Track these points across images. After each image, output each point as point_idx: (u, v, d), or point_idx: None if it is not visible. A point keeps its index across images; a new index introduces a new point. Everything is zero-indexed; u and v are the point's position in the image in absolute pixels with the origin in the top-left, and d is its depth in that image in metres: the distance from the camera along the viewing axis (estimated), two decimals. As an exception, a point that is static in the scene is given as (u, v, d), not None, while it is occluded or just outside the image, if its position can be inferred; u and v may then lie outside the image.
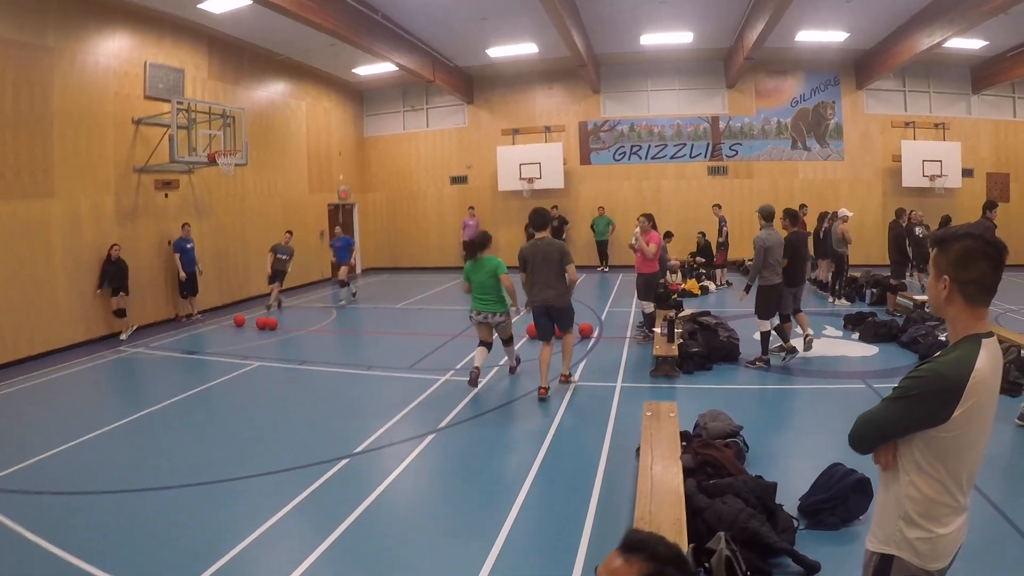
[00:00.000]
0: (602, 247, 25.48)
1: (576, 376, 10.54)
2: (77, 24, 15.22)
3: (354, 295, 20.43)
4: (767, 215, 11.08)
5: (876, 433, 2.82)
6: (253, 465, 7.59)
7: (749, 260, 20.54)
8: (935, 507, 2.68)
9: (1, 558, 5.86)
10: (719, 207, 20.89)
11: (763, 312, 10.87)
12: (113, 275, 15.53)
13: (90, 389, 11.53)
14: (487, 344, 10.33)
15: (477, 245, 10.29)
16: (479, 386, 10.17)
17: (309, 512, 6.48)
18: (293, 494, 6.76)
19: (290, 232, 19.27)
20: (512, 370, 11.08)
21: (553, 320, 9.97)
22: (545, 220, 9.98)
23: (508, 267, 10.09)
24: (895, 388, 2.74)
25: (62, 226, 14.87)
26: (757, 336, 11.21)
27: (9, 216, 13.69)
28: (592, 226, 25.43)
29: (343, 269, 20.14)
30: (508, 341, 10.71)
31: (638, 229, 13.20)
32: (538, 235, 9.94)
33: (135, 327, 16.14)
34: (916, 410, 2.63)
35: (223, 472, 7.51)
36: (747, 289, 11.35)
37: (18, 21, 13.85)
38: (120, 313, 15.72)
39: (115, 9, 16.09)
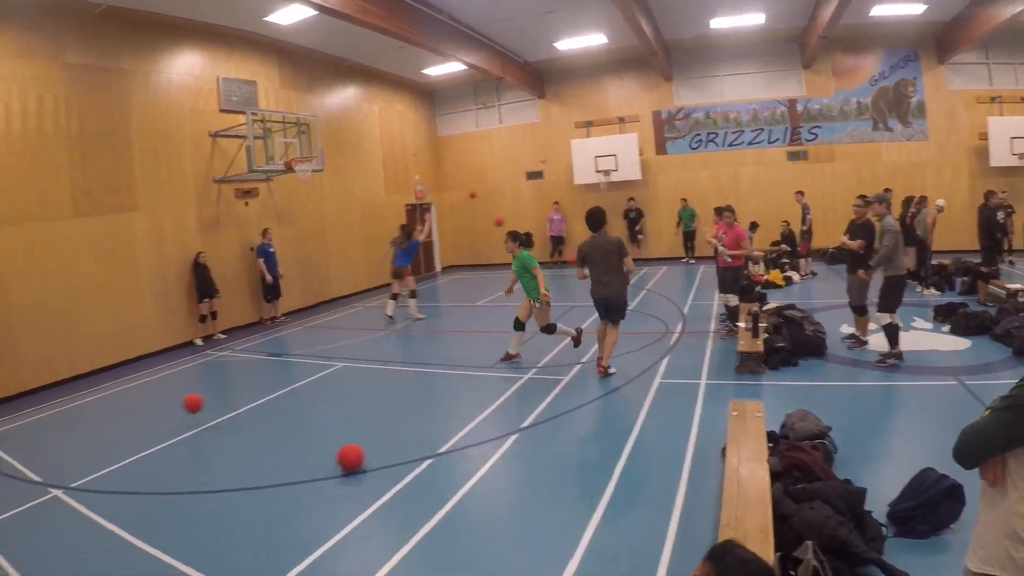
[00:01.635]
0: (688, 238, 25.14)
1: (613, 369, 10.84)
2: (149, 45, 15.85)
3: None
4: (885, 201, 10.72)
5: (984, 447, 2.68)
6: (337, 466, 7.72)
7: (834, 248, 20.35)
8: None
9: (98, 555, 6.18)
10: (801, 194, 20.38)
11: (890, 304, 10.38)
12: (200, 281, 16.18)
13: (178, 393, 11.79)
14: (520, 324, 11.89)
15: (525, 241, 12.16)
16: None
17: (393, 513, 6.60)
18: (377, 495, 6.92)
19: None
20: (576, 341, 12.14)
21: (609, 311, 10.82)
22: (599, 219, 10.73)
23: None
24: (1003, 397, 2.62)
25: (147, 238, 15.57)
26: (843, 330, 10.95)
27: (96, 231, 14.44)
28: (679, 217, 25.08)
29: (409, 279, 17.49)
30: (547, 329, 11.73)
31: (717, 234, 13.02)
32: (594, 233, 10.72)
33: (220, 332, 16.80)
34: None
35: (309, 473, 7.72)
36: (867, 271, 10.91)
37: (92, 46, 14.54)
38: (210, 316, 16.53)
39: (185, 28, 16.67)
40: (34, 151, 13.35)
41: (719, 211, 13.28)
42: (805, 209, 19.95)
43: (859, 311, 11.41)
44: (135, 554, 6.05)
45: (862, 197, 11.25)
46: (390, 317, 16.73)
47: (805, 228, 19.96)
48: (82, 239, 14.09)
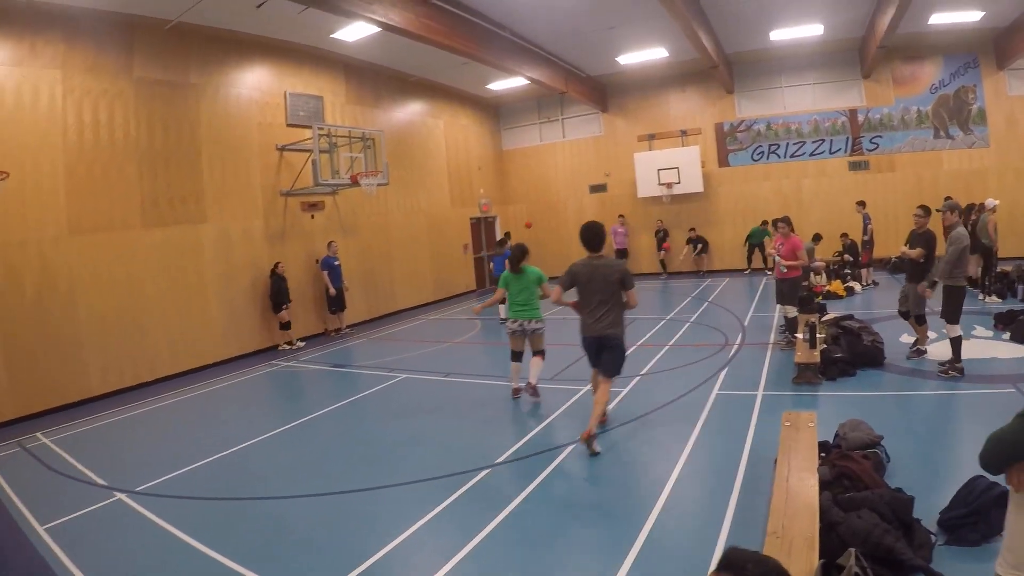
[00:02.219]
0: (752, 251, 25.08)
1: (597, 446, 8.32)
2: (218, 60, 16.46)
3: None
4: (958, 209, 10.65)
5: (1009, 451, 2.71)
6: (398, 474, 7.99)
7: (896, 258, 20.20)
8: None
9: (159, 558, 6.45)
10: (863, 204, 20.34)
11: (953, 315, 10.30)
12: (276, 290, 16.77)
13: (244, 401, 12.26)
14: (519, 354, 11.05)
15: (517, 258, 11.09)
16: (521, 396, 11.04)
17: (449, 521, 6.74)
18: (435, 503, 7.08)
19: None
20: (533, 391, 10.82)
21: (601, 356, 8.68)
22: (599, 237, 8.72)
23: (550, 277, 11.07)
24: None
25: (215, 249, 16.15)
26: (903, 340, 10.88)
27: (164, 242, 15.01)
28: (749, 235, 25.00)
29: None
30: (540, 353, 10.94)
31: (776, 246, 13.09)
32: (591, 254, 8.72)
33: (290, 341, 17.36)
34: None
35: (368, 481, 7.96)
36: (932, 285, 10.79)
37: (163, 62, 15.14)
38: (285, 326, 17.04)
39: (253, 44, 17.26)
40: (104, 163, 13.96)
41: (775, 223, 13.34)
42: (866, 219, 19.87)
43: (919, 320, 11.39)
44: (195, 556, 6.33)
45: (922, 207, 11.22)
46: (503, 319, 17.30)
47: (867, 238, 19.87)
48: (150, 249, 14.68)
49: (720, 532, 5.98)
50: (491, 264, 18.62)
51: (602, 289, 8.45)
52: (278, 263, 16.95)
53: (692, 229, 25.94)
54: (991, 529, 5.41)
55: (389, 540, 6.31)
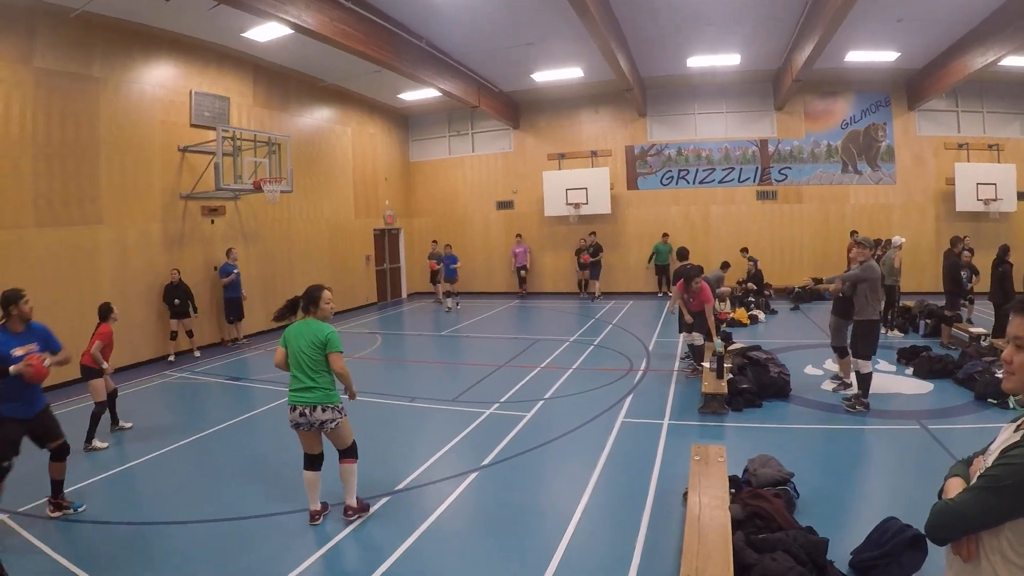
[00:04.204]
0: (662, 271, 25.14)
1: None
2: (123, 54, 15.60)
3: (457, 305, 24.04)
4: (871, 245, 10.74)
5: (961, 525, 2.60)
6: (289, 501, 7.51)
7: (799, 287, 20.59)
8: None
9: None
10: (746, 250, 21.89)
11: (865, 351, 10.24)
12: (175, 298, 16.07)
13: (138, 415, 11.45)
14: (313, 460, 7.09)
15: (307, 300, 7.35)
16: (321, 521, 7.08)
17: (349, 551, 6.42)
18: (332, 534, 6.69)
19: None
20: (352, 511, 7.12)
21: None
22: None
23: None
24: (982, 476, 2.56)
25: (110, 253, 15.26)
26: (813, 377, 10.87)
27: (57, 244, 14.07)
28: (654, 251, 25.10)
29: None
30: (349, 452, 7.17)
31: (687, 301, 12.73)
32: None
33: (187, 349, 16.73)
34: (1009, 501, 2.43)
35: (260, 507, 7.47)
36: (826, 280, 10.76)
37: (64, 52, 14.27)
38: (187, 334, 16.53)
39: (160, 39, 16.47)
40: (-3, 156, 13.10)
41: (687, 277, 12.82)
42: (752, 261, 21.27)
43: (840, 352, 11.43)
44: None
45: (864, 240, 11.20)
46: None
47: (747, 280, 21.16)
48: (42, 251, 13.76)
49: (629, 570, 5.76)
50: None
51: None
52: (174, 270, 16.20)
53: (592, 233, 25.66)
54: (903, 571, 5.40)
55: (286, 571, 5.93)
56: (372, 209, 26.34)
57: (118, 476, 8.83)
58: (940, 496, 2.86)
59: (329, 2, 14.56)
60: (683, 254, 15.56)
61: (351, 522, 6.96)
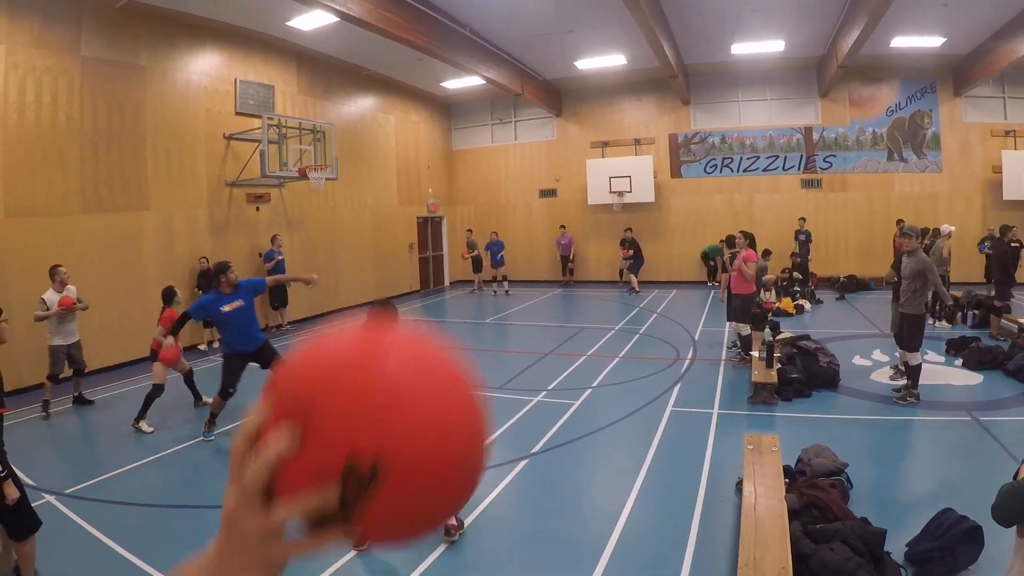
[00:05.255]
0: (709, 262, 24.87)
1: None
2: (168, 43, 15.82)
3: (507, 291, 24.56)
4: (917, 234, 10.58)
5: None
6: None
7: (845, 277, 20.48)
8: None
9: (92, 569, 6.07)
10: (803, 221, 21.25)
11: (912, 343, 10.12)
12: (205, 286, 15.89)
13: (174, 400, 11.53)
14: None
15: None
16: None
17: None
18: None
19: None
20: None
21: None
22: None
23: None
24: None
25: (156, 239, 15.50)
26: (862, 367, 10.82)
27: (103, 229, 14.32)
28: (706, 251, 24.73)
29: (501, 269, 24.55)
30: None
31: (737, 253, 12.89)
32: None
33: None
34: None
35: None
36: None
37: (111, 41, 14.49)
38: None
39: (205, 28, 16.68)
40: (45, 144, 13.26)
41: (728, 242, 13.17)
42: (797, 235, 21.15)
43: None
44: (127, 568, 5.98)
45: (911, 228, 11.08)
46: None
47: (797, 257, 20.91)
48: (88, 236, 13.99)
49: (684, 559, 5.79)
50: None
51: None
52: (201, 258, 16.14)
53: (628, 229, 25.18)
54: (957, 564, 5.37)
55: (327, 564, 5.95)
56: (415, 197, 26.46)
57: (166, 459, 8.97)
58: (1015, 478, 2.86)
59: (373, -11, 14.62)
60: (731, 243, 15.53)
61: None
